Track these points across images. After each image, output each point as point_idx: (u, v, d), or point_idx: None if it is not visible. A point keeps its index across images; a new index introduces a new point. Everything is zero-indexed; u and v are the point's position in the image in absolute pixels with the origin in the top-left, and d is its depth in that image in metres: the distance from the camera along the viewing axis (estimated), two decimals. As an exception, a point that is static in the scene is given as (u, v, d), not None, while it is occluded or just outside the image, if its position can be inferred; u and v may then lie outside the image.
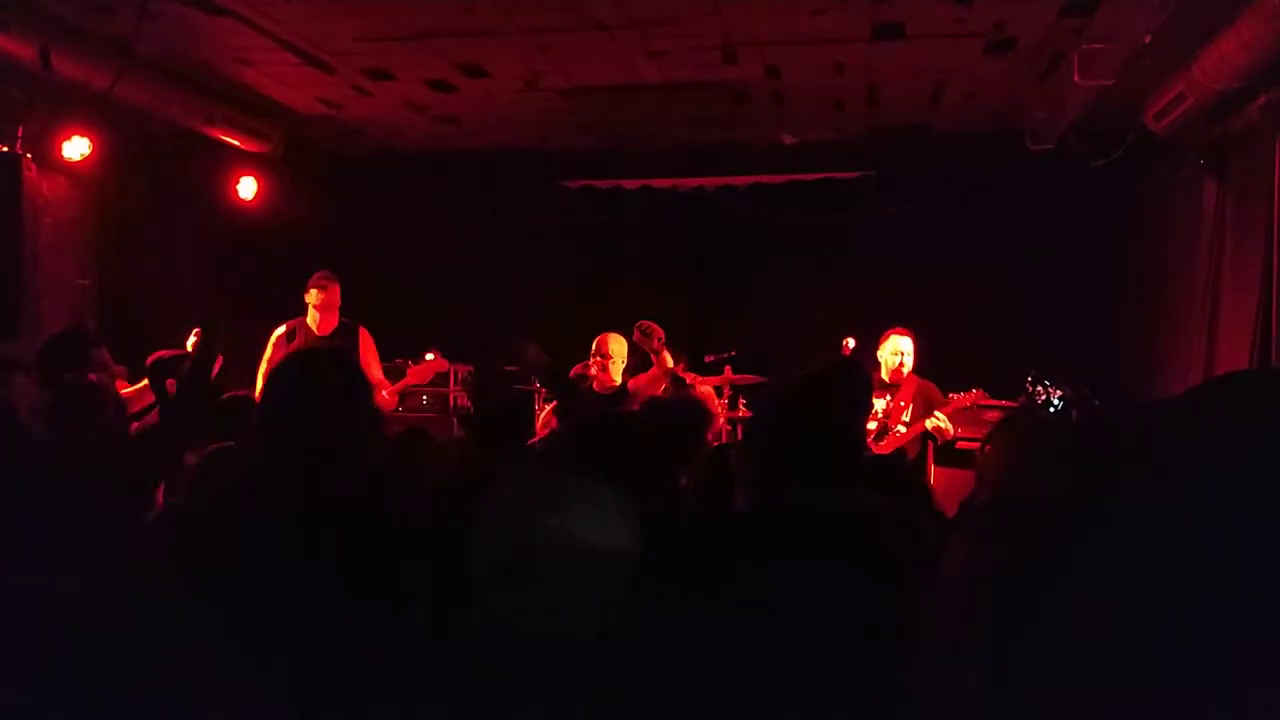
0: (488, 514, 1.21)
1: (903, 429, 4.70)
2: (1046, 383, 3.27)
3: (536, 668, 1.18)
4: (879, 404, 4.82)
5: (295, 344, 4.99)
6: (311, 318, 5.03)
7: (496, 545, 1.17)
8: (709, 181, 7.25)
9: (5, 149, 4.69)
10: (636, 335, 4.64)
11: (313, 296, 4.99)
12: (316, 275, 5.04)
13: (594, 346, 4.79)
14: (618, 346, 4.76)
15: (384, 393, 4.85)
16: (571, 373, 4.92)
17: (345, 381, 1.74)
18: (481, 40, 4.79)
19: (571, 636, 1.17)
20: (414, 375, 5.02)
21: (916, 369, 4.89)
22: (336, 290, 5.01)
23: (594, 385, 4.81)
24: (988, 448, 2.08)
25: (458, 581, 1.40)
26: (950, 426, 4.59)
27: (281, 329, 5.09)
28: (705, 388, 5.89)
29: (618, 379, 4.81)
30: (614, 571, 1.19)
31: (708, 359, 6.12)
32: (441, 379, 6.69)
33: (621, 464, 2.00)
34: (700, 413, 2.92)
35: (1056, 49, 4.81)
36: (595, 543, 1.16)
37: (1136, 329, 6.39)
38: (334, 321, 5.04)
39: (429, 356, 5.13)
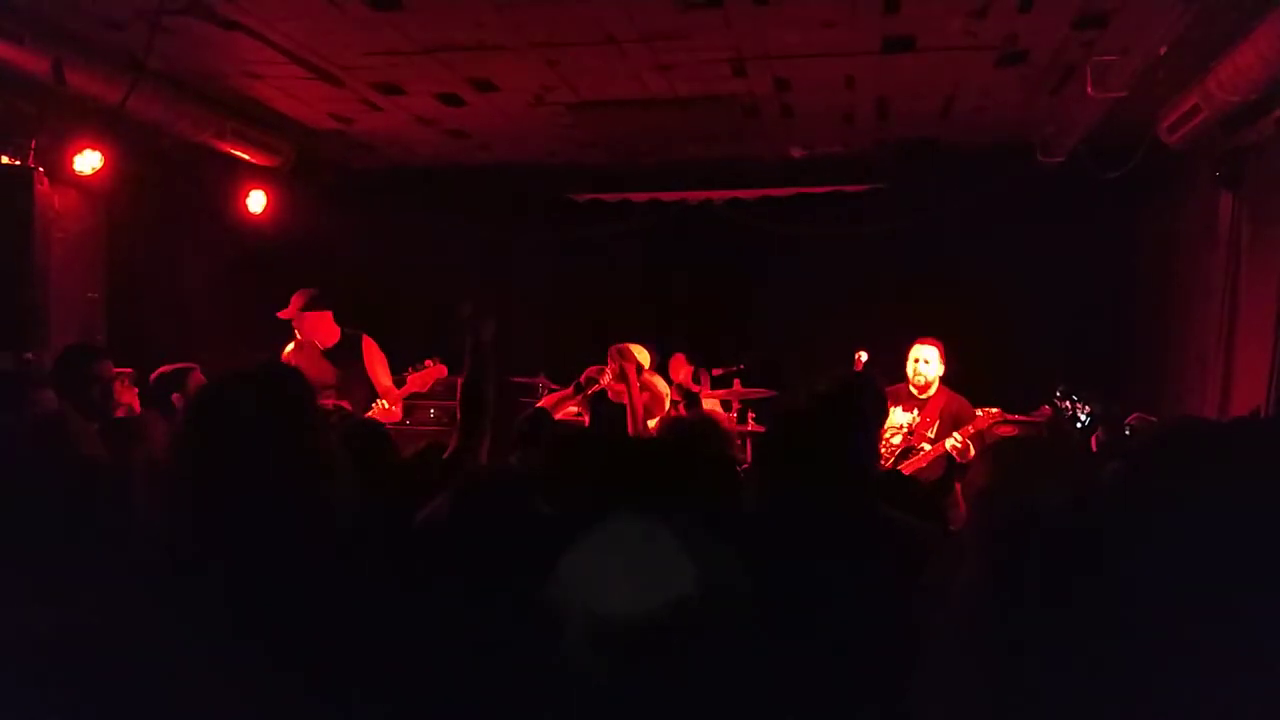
0: (577, 575, 1.15)
1: (927, 447, 4.59)
2: (1075, 398, 3.23)
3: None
4: (905, 418, 4.69)
5: (301, 358, 4.97)
6: (303, 332, 5.01)
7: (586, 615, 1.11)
8: (717, 195, 7.23)
9: (17, 162, 4.70)
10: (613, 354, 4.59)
11: (298, 330, 4.98)
12: (294, 302, 4.95)
13: (614, 353, 4.69)
14: (641, 355, 4.68)
15: (387, 404, 4.80)
16: (583, 375, 4.84)
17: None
18: (491, 54, 4.79)
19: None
20: (414, 383, 4.97)
21: (945, 382, 4.77)
22: (310, 319, 4.93)
23: (610, 395, 4.74)
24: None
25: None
26: (967, 447, 4.50)
27: (290, 345, 5.08)
28: (710, 403, 5.86)
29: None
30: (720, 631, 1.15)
31: (715, 372, 6.09)
32: (449, 393, 6.66)
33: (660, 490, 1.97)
34: (718, 432, 2.86)
35: (1069, 61, 4.78)
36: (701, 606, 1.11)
37: (1151, 344, 6.34)
38: (335, 335, 5.01)
39: (429, 363, 5.08)
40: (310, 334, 4.95)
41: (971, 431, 4.52)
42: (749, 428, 5.69)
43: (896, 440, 4.66)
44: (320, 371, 4.88)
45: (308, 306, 4.94)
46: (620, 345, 4.70)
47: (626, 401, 4.60)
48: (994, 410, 4.62)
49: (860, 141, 6.49)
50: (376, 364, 4.98)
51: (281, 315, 4.96)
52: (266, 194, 6.35)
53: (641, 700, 1.07)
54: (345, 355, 4.98)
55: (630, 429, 4.50)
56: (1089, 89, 4.63)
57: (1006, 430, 4.55)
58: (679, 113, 5.69)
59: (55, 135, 4.87)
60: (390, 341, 5.34)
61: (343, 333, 5.03)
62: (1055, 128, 5.72)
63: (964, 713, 1.45)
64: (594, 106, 5.64)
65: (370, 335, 5.18)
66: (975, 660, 1.48)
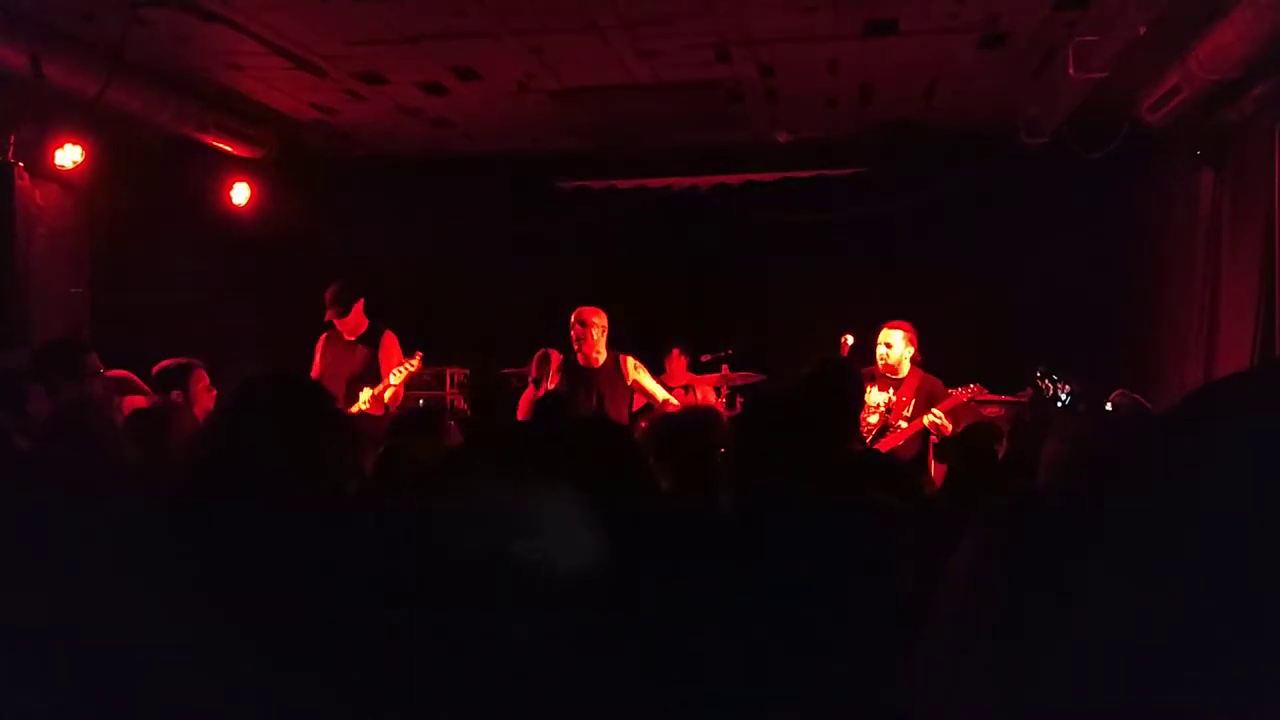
0: (451, 523, 1.18)
1: (904, 424, 4.65)
2: (1055, 377, 3.26)
3: (511, 671, 1.16)
4: (881, 398, 4.73)
5: (331, 349, 4.93)
6: (342, 324, 4.96)
7: (459, 560, 1.14)
8: (703, 181, 7.24)
9: (-4, 158, 4.68)
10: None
11: (337, 324, 4.93)
12: (330, 297, 4.89)
13: (572, 317, 4.74)
14: (599, 319, 4.72)
15: (370, 397, 4.74)
16: (533, 370, 4.85)
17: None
18: (474, 42, 4.77)
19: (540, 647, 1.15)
20: (393, 378, 4.92)
21: (918, 363, 4.82)
22: (351, 317, 4.88)
23: (577, 359, 4.76)
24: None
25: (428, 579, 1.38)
26: (948, 423, 4.54)
27: (322, 336, 5.03)
28: (706, 390, 5.89)
29: (601, 352, 4.75)
30: (583, 592, 1.17)
31: (704, 358, 6.12)
32: (438, 382, 6.68)
33: (602, 465, 1.99)
34: (702, 421, 2.87)
35: (1050, 43, 4.79)
36: (565, 566, 1.15)
37: (1135, 322, 6.38)
38: (364, 324, 4.97)
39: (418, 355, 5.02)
40: (351, 327, 4.92)
41: (949, 408, 4.57)
42: (738, 411, 5.71)
43: (874, 419, 4.71)
44: (349, 362, 4.86)
45: (342, 301, 4.86)
46: (578, 310, 4.74)
47: (597, 364, 4.67)
48: (971, 386, 4.66)
49: (845, 125, 6.49)
50: (391, 361, 4.92)
51: (335, 320, 4.88)
52: (250, 186, 6.31)
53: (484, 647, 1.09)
54: (369, 348, 4.94)
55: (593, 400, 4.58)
56: (1070, 70, 4.65)
57: (991, 410, 4.58)
58: (663, 99, 5.68)
59: (35, 130, 4.83)
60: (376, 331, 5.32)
61: (371, 323, 4.98)
62: (1038, 109, 5.73)
63: (957, 696, 1.47)
64: (577, 94, 5.62)
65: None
66: (969, 643, 1.49)
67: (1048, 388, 3.36)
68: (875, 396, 4.74)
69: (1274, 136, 4.51)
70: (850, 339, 5.06)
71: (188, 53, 4.91)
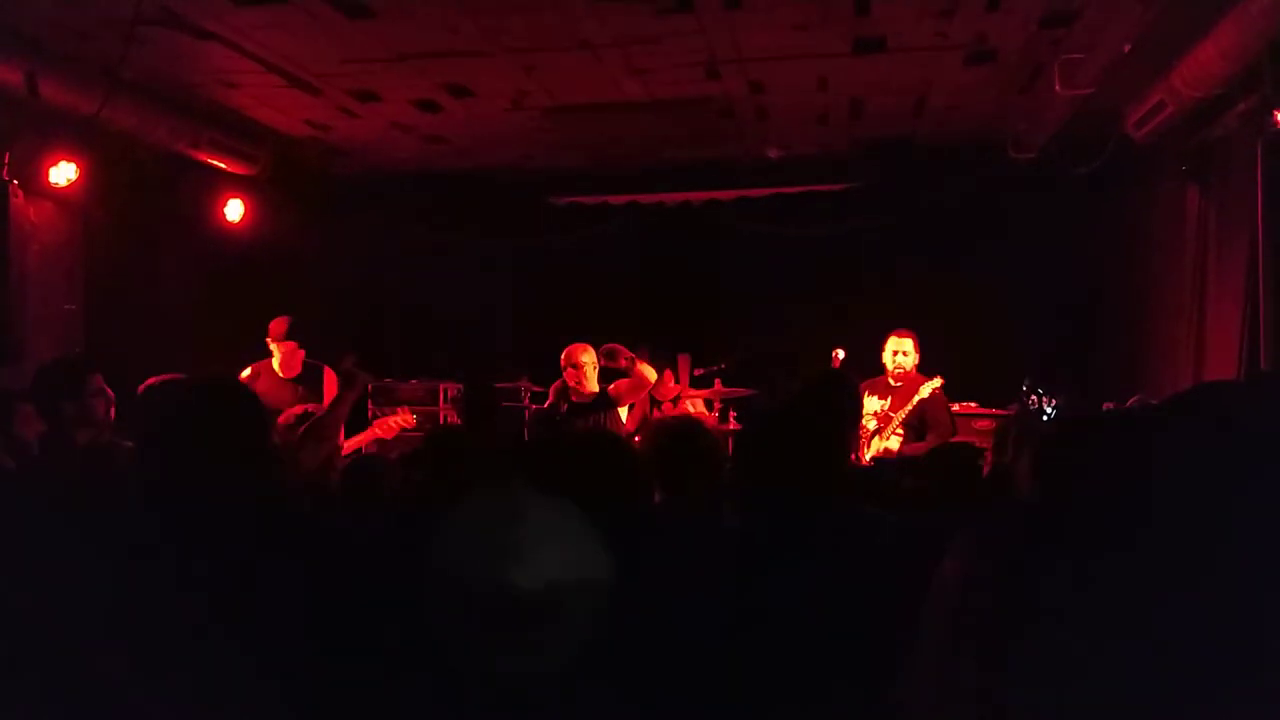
0: (451, 545, 1.18)
1: (898, 427, 4.75)
2: (1040, 391, 3.31)
3: (506, 704, 1.17)
4: (879, 405, 4.86)
5: (259, 385, 4.86)
6: (276, 360, 4.94)
7: (460, 585, 1.15)
8: (695, 196, 7.29)
9: (-9, 176, 4.69)
10: (602, 361, 4.67)
11: (273, 350, 4.94)
12: (274, 327, 4.93)
13: (562, 359, 4.81)
14: (587, 356, 4.78)
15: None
16: (551, 392, 4.92)
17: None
18: (467, 60, 4.82)
19: (542, 673, 1.16)
20: (379, 427, 4.87)
21: (918, 368, 4.92)
22: (290, 348, 4.91)
23: (572, 396, 4.81)
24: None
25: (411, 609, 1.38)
26: (894, 449, 4.69)
27: (247, 371, 4.98)
28: (696, 403, 5.92)
29: (594, 386, 4.79)
30: (588, 609, 1.18)
31: (697, 372, 6.14)
32: (430, 398, 6.69)
33: (600, 480, 2.00)
34: (698, 434, 2.88)
35: (1037, 60, 4.86)
36: (569, 582, 1.15)
37: (1123, 336, 6.43)
38: (298, 368, 4.94)
39: (399, 410, 5.03)
40: (281, 359, 4.93)
41: (924, 394, 4.73)
42: (731, 426, 5.73)
43: (871, 425, 4.79)
44: (278, 398, 4.77)
45: (288, 335, 4.90)
46: (567, 350, 4.80)
47: (590, 398, 4.70)
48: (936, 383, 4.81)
49: (835, 141, 6.55)
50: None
51: (269, 341, 4.93)
52: (244, 202, 6.33)
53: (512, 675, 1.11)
54: (306, 386, 4.90)
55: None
56: (1057, 86, 4.71)
57: (982, 424, 4.62)
58: (655, 116, 5.73)
59: (29, 147, 4.84)
60: (370, 347, 5.34)
61: (305, 364, 4.94)
62: (1026, 125, 5.80)
63: (949, 709, 1.48)
64: (570, 111, 5.66)
65: (352, 340, 5.12)
66: (959, 655, 1.50)
67: (1033, 402, 3.40)
68: (874, 404, 4.90)
69: (1257, 152, 4.56)
70: (842, 353, 5.10)
71: (183, 70, 4.94)
